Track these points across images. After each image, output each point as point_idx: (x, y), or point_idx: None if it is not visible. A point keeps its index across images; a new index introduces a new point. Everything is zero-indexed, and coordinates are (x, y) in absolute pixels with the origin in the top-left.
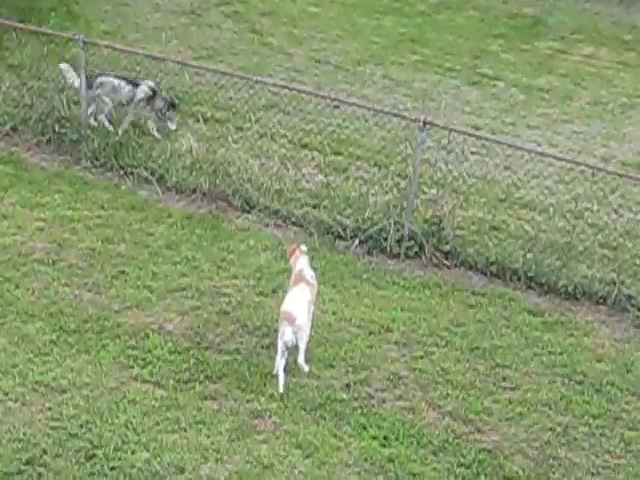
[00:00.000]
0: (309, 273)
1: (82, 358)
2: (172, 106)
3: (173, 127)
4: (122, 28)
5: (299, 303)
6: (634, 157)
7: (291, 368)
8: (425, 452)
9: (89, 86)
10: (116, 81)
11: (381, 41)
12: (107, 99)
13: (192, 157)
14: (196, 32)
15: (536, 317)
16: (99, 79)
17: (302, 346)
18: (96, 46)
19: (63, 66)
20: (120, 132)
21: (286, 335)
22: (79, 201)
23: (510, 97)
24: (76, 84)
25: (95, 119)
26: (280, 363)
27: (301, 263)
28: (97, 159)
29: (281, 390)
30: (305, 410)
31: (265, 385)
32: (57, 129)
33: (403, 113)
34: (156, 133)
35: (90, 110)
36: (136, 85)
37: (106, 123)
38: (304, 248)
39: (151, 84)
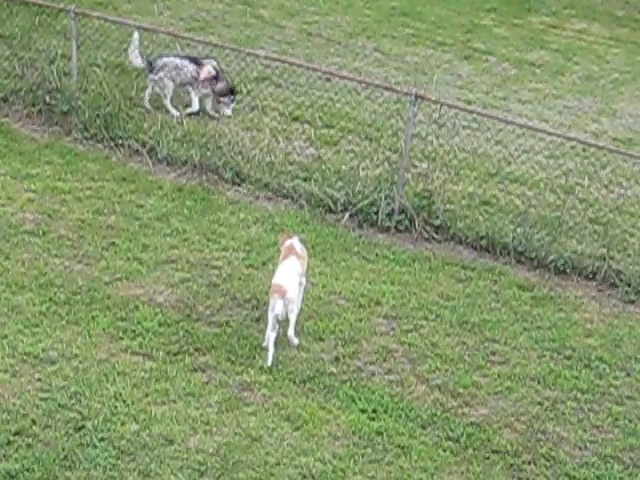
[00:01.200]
0: (299, 246)
1: (72, 329)
2: (231, 92)
3: (228, 113)
4: None
5: (290, 276)
6: (625, 133)
7: (281, 341)
8: (413, 425)
9: (150, 69)
10: (178, 60)
11: (373, 14)
12: (170, 82)
13: (183, 129)
14: (188, 4)
15: (525, 292)
16: (161, 60)
17: (292, 319)
18: (87, 17)
19: (136, 36)
20: (193, 110)
21: (277, 308)
22: (69, 172)
23: (502, 72)
24: (133, 60)
25: (149, 102)
26: (271, 336)
27: (293, 240)
28: (88, 130)
29: (269, 363)
30: (294, 383)
31: (254, 357)
32: (48, 100)
33: (395, 87)
34: (147, 104)
35: (148, 92)
36: (200, 64)
37: (171, 109)
38: (297, 239)
39: (214, 64)
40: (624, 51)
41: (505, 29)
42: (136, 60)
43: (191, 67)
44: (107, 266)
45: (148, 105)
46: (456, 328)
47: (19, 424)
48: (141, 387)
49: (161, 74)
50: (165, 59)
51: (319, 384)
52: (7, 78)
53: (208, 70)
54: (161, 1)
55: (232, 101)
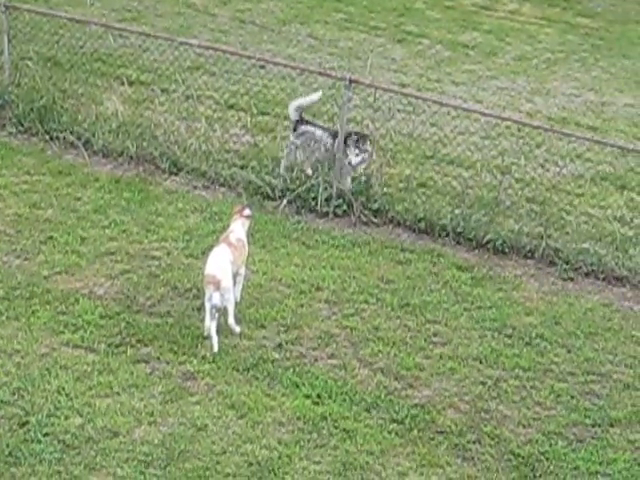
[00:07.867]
0: (235, 236)
1: (12, 325)
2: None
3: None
4: None
5: (222, 265)
6: (559, 112)
7: (222, 329)
8: (358, 409)
9: (294, 129)
10: (318, 132)
11: (306, 0)
12: (300, 152)
13: (118, 120)
14: None
15: (465, 272)
16: (304, 126)
17: (230, 308)
18: (18, 10)
19: (315, 97)
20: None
21: (214, 299)
22: (4, 167)
23: (435, 54)
24: (291, 111)
25: (306, 168)
26: (212, 325)
27: (235, 225)
28: (22, 124)
29: (215, 350)
30: (238, 371)
31: (197, 347)
32: None
33: (329, 72)
34: (283, 170)
35: (290, 157)
36: (336, 136)
37: (308, 171)
38: (247, 212)
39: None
40: (556, 31)
41: (437, 11)
42: (294, 114)
43: (329, 141)
44: (46, 260)
45: (283, 171)
46: (397, 311)
47: None
48: (84, 380)
49: (299, 140)
50: (307, 127)
51: (262, 371)
52: None
53: (339, 141)
54: None
55: (354, 149)
